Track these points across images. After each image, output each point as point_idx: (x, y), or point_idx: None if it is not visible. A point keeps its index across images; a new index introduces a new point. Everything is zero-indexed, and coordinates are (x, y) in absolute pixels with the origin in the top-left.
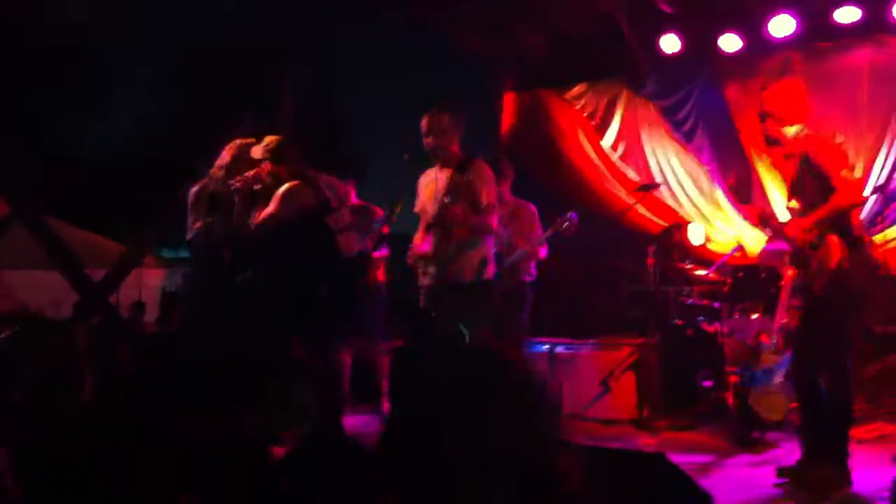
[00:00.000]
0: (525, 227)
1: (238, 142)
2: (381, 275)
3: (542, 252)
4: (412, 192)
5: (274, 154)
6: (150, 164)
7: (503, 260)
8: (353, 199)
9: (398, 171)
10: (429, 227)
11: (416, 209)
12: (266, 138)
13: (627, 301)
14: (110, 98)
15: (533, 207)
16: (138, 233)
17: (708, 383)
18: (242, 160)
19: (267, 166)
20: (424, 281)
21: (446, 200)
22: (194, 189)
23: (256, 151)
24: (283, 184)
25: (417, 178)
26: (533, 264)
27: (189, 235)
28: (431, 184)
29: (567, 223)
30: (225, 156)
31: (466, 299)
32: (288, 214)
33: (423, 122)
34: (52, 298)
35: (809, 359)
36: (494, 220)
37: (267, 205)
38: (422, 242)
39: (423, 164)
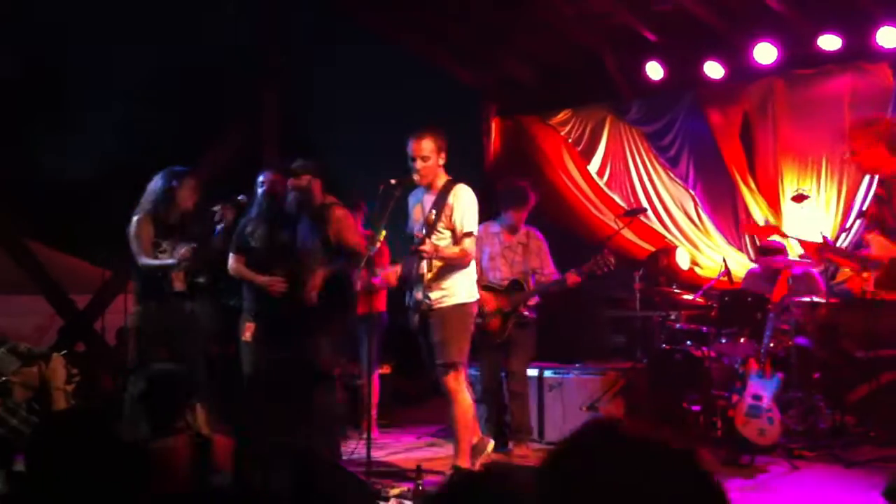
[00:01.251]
0: (533, 255)
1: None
2: (380, 303)
3: (574, 279)
4: (400, 216)
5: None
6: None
7: (524, 289)
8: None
9: (383, 196)
10: (411, 253)
11: (408, 230)
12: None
13: (615, 326)
14: (94, 120)
15: (542, 237)
16: (123, 258)
17: (696, 408)
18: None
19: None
20: (410, 303)
21: (432, 227)
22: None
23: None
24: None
25: (405, 200)
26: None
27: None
28: (419, 207)
29: (606, 268)
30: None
31: (449, 321)
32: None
33: (409, 146)
34: (36, 324)
35: None
36: (471, 247)
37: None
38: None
39: (410, 186)
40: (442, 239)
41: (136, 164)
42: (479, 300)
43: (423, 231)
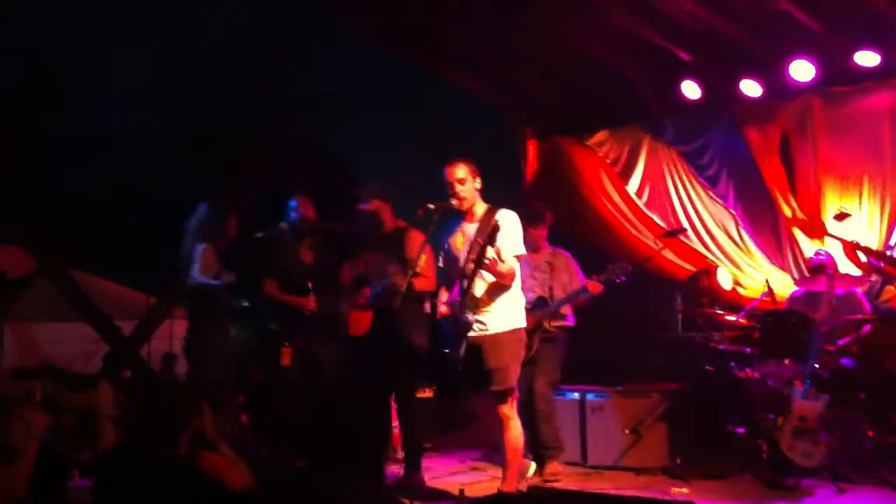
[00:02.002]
0: (562, 273)
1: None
2: None
3: (596, 287)
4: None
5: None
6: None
7: (548, 304)
8: None
9: (423, 221)
10: (462, 275)
11: (441, 263)
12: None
13: (656, 347)
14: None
15: (568, 254)
16: (167, 284)
17: (740, 430)
18: None
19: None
20: (460, 329)
21: (486, 255)
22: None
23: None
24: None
25: (440, 226)
26: (571, 311)
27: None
28: (459, 235)
29: (623, 275)
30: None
31: (499, 347)
32: None
33: (444, 174)
34: (81, 351)
35: None
36: (516, 267)
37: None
38: (451, 292)
39: (448, 214)
40: (490, 265)
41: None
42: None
43: (470, 259)
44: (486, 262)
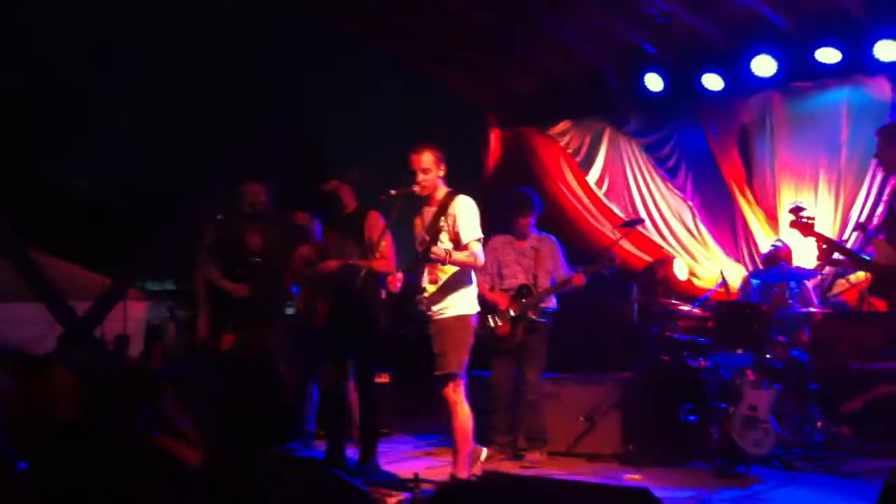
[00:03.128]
0: (547, 259)
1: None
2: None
3: (580, 280)
4: (400, 226)
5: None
6: (135, 196)
7: (532, 293)
8: None
9: (385, 207)
10: (418, 259)
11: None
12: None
13: (612, 336)
14: (92, 131)
15: (554, 240)
16: (122, 265)
17: (693, 418)
18: None
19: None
20: (413, 312)
21: (434, 236)
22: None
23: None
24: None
25: (402, 212)
26: (554, 296)
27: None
28: (420, 220)
29: (611, 268)
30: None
31: (449, 332)
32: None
33: (409, 160)
34: (36, 332)
35: None
36: (478, 251)
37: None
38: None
39: (410, 197)
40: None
41: (140, 176)
42: (479, 312)
43: (427, 241)
44: (433, 257)
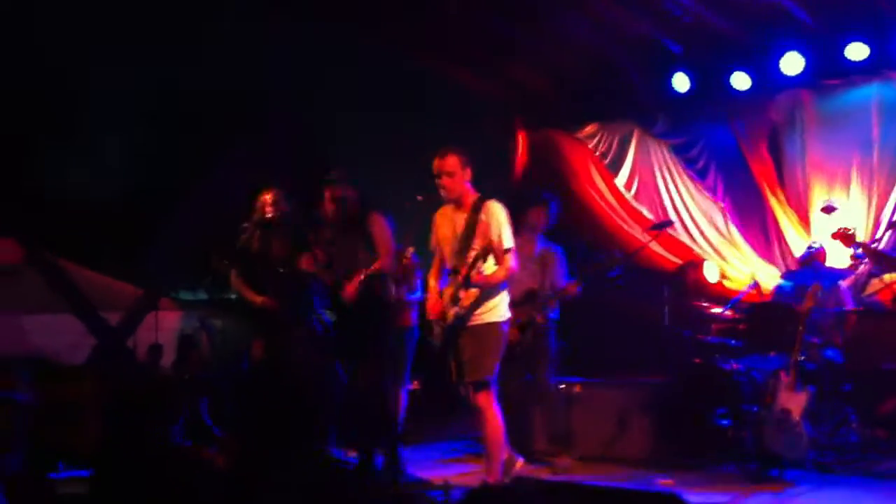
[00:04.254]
0: (551, 269)
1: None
2: (410, 318)
3: (571, 289)
4: (427, 232)
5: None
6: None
7: (537, 297)
8: None
9: (411, 212)
10: (451, 270)
11: (431, 246)
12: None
13: (643, 339)
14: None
15: (559, 252)
16: (154, 275)
17: (725, 422)
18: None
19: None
20: (443, 323)
21: (468, 247)
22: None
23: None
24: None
25: (431, 217)
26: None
27: None
28: (448, 224)
29: (614, 268)
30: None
31: (480, 338)
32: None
33: (433, 165)
34: (69, 343)
35: None
36: (513, 263)
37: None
38: (437, 283)
39: (437, 203)
40: (476, 257)
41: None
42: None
43: (459, 251)
44: (473, 281)
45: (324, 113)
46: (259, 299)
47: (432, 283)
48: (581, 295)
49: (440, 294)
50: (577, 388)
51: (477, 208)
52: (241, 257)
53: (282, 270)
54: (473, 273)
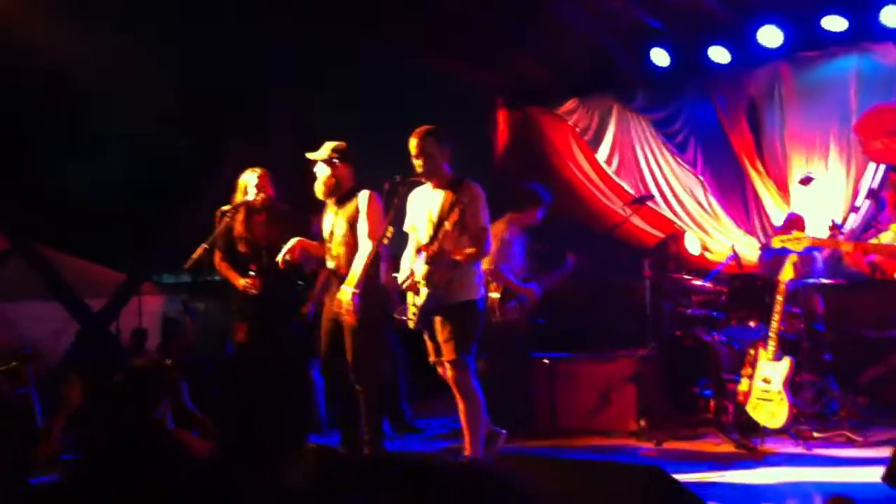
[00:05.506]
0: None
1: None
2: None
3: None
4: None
5: (342, 155)
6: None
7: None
8: None
9: (388, 193)
10: (420, 250)
11: (406, 227)
12: (327, 143)
13: (625, 313)
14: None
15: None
16: (136, 260)
17: (707, 392)
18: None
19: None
20: (416, 302)
21: (443, 226)
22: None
23: (320, 154)
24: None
25: (406, 197)
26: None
27: None
28: (424, 204)
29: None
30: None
31: (456, 317)
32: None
33: (410, 144)
34: (52, 329)
35: None
36: (488, 244)
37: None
38: (413, 264)
39: (413, 185)
40: (452, 237)
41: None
42: (487, 296)
43: (433, 230)
44: (436, 257)
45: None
46: (241, 282)
47: (405, 262)
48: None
49: (412, 273)
50: (560, 363)
51: (455, 188)
52: (227, 240)
53: (266, 253)
54: (443, 249)
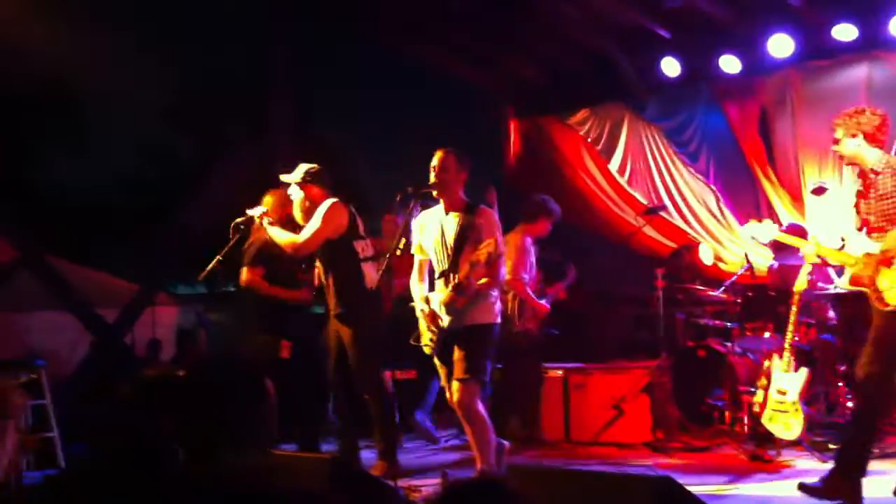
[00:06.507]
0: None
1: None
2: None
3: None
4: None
5: (314, 177)
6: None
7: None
8: None
9: (400, 204)
10: (441, 274)
11: (413, 248)
12: (301, 165)
13: (638, 324)
14: (110, 138)
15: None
16: (150, 271)
17: (722, 403)
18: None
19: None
20: (433, 328)
21: (457, 252)
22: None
23: (294, 176)
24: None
25: (417, 210)
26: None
27: None
28: (436, 228)
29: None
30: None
31: (472, 339)
32: (329, 232)
33: (434, 159)
34: (68, 340)
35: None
36: (502, 270)
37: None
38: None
39: (428, 195)
40: (466, 261)
41: (151, 181)
42: (501, 319)
43: (449, 257)
44: (461, 291)
45: (318, 105)
46: (294, 294)
47: (416, 288)
48: (582, 274)
49: (427, 300)
50: (573, 375)
51: (471, 212)
52: (262, 254)
53: (305, 266)
54: (467, 279)
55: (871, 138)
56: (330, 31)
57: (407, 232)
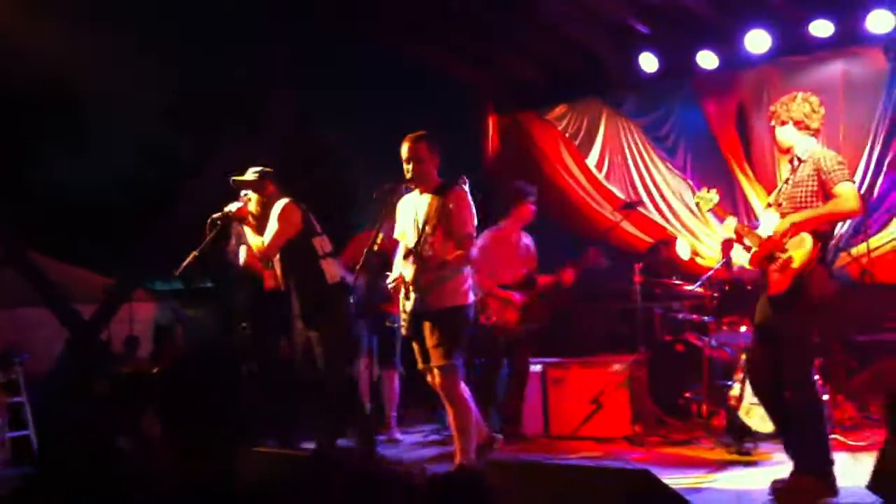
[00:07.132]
0: (532, 259)
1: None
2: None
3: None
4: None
5: (269, 174)
6: (137, 196)
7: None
8: None
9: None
10: (407, 254)
11: (396, 234)
12: (252, 168)
13: (616, 319)
14: (91, 134)
15: (530, 239)
16: (127, 266)
17: (699, 397)
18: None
19: (264, 188)
20: (406, 307)
21: (427, 230)
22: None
23: (248, 176)
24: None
25: (396, 203)
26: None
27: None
28: (411, 209)
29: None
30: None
31: (444, 323)
32: (290, 232)
33: (402, 149)
34: (45, 336)
35: (768, 366)
36: (472, 249)
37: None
38: (402, 268)
39: (405, 190)
40: (437, 241)
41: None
42: (473, 302)
43: (418, 234)
44: (426, 249)
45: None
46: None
47: (395, 269)
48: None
49: (399, 279)
50: (551, 369)
51: (442, 193)
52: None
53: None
54: (427, 252)
55: (800, 125)
56: (329, 30)
57: (383, 227)
